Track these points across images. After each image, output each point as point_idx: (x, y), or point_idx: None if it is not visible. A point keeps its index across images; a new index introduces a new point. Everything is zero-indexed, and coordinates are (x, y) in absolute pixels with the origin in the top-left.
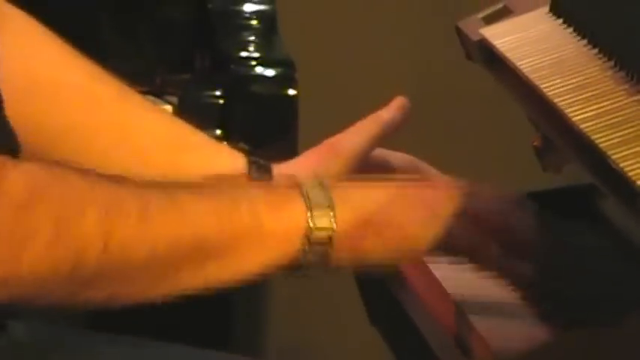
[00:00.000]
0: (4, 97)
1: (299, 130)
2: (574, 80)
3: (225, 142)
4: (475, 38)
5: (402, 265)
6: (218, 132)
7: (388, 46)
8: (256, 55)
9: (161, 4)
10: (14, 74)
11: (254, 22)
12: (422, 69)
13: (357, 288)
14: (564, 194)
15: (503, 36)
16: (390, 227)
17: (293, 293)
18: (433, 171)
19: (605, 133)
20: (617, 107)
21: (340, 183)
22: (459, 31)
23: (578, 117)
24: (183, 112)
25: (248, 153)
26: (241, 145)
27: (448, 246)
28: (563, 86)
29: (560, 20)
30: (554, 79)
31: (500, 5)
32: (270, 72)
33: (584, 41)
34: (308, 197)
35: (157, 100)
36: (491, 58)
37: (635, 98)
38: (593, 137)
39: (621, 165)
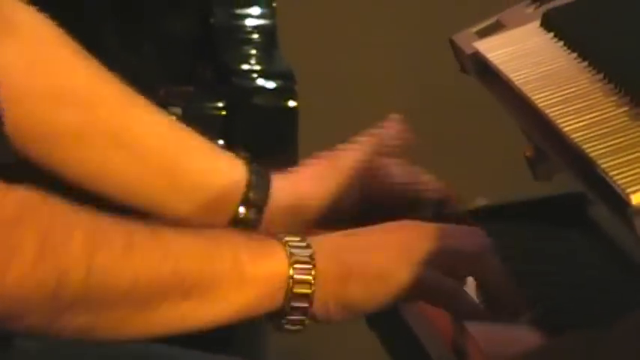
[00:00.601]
0: (4, 106)
1: (299, 141)
2: (564, 92)
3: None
4: (469, 51)
5: None
6: (221, 142)
7: (385, 59)
8: (257, 67)
9: (165, 18)
10: (19, 77)
11: (255, 36)
12: (418, 81)
13: None
14: (555, 202)
15: (496, 49)
16: (368, 275)
17: None
18: (432, 179)
19: (594, 143)
20: (605, 118)
21: (320, 237)
22: (453, 45)
23: (569, 127)
24: (187, 122)
25: (249, 161)
26: (243, 153)
27: (424, 291)
28: (554, 98)
29: (551, 34)
30: (546, 91)
31: (493, 20)
32: (270, 84)
33: (574, 55)
34: (291, 251)
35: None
36: (484, 70)
37: (623, 110)
38: (583, 147)
39: (610, 174)
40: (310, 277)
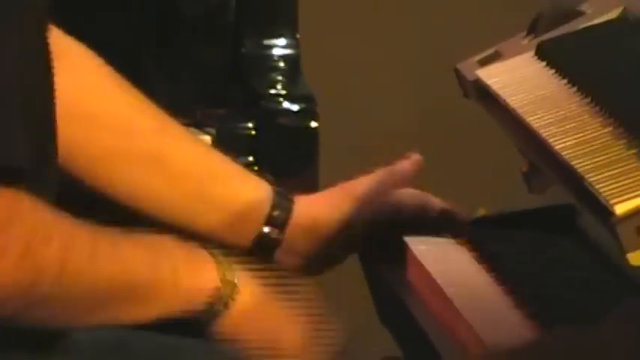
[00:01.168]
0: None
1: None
2: (556, 114)
3: (255, 169)
4: (471, 78)
5: (409, 274)
6: (250, 159)
7: (396, 84)
8: (283, 92)
9: (201, 48)
10: (66, 101)
11: (281, 64)
12: (426, 105)
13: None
14: (548, 212)
15: (495, 76)
16: (267, 323)
17: None
18: (438, 201)
19: (582, 160)
20: (592, 137)
21: (247, 274)
22: (457, 72)
23: (560, 146)
24: (220, 141)
25: (274, 183)
26: (268, 175)
27: None
28: (546, 119)
29: (544, 63)
30: (539, 114)
31: (492, 50)
32: (294, 107)
33: (565, 81)
34: (223, 275)
35: (198, 132)
36: (485, 95)
37: (608, 130)
38: (573, 163)
39: (596, 187)
40: (229, 301)
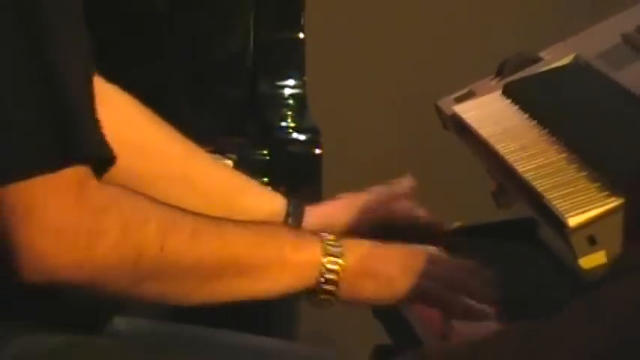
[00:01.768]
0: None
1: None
2: (519, 143)
3: (269, 187)
4: (449, 113)
5: None
6: (265, 180)
7: (388, 117)
8: (292, 124)
9: (224, 87)
10: (111, 133)
11: (290, 102)
12: (411, 134)
13: None
14: (513, 225)
15: (468, 111)
16: (381, 276)
17: None
18: (425, 213)
19: (541, 181)
20: (549, 162)
21: (354, 241)
22: (437, 108)
23: (522, 169)
24: (240, 165)
25: (287, 195)
26: (282, 188)
27: (423, 295)
28: (511, 147)
29: (510, 100)
30: (505, 142)
31: (466, 89)
32: (302, 137)
33: (527, 115)
34: (326, 246)
35: (221, 157)
36: (460, 127)
37: (562, 156)
38: (533, 183)
39: (553, 203)
40: (338, 267)
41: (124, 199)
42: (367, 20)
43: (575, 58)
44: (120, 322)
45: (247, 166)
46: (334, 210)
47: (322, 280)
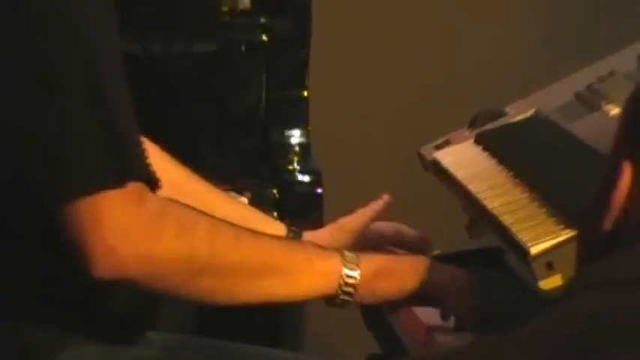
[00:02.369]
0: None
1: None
2: (488, 183)
3: (277, 218)
4: (430, 158)
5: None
6: (275, 214)
7: (378, 163)
8: (298, 167)
9: (241, 136)
10: None
11: (296, 148)
12: (398, 177)
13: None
14: (483, 252)
15: (446, 157)
16: (393, 277)
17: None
18: (409, 229)
19: (507, 215)
20: (513, 200)
21: (369, 254)
22: (419, 155)
23: (491, 206)
24: (254, 201)
25: (288, 224)
26: (286, 220)
27: (427, 292)
28: (482, 187)
29: (481, 148)
30: (476, 183)
31: (444, 139)
32: (306, 178)
33: (495, 160)
34: (344, 257)
35: (238, 195)
36: (439, 170)
37: (525, 195)
38: (500, 218)
39: (517, 235)
40: (356, 274)
41: (176, 206)
42: (362, 82)
43: (536, 112)
44: (152, 336)
45: (260, 202)
46: (328, 234)
47: (342, 284)
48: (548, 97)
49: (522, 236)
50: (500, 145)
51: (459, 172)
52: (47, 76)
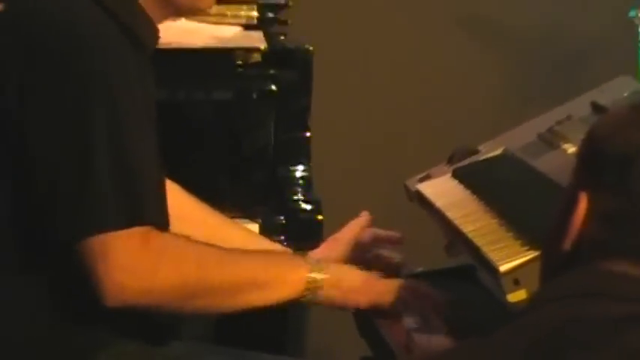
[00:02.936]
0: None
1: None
2: (463, 211)
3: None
4: (413, 190)
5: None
6: (282, 237)
7: (371, 194)
8: (302, 197)
9: (252, 171)
10: None
11: (300, 181)
12: (387, 206)
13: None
14: (459, 270)
15: (427, 189)
16: (346, 288)
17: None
18: (384, 232)
19: (479, 238)
20: (485, 225)
21: (332, 264)
22: (405, 187)
23: (466, 230)
24: (264, 227)
25: (289, 246)
26: (289, 244)
27: (378, 307)
28: (458, 214)
29: (457, 181)
30: (454, 211)
31: (426, 173)
32: (308, 207)
33: (469, 192)
34: (311, 266)
35: (249, 222)
36: (422, 200)
37: (495, 221)
38: (474, 240)
39: (488, 254)
40: (319, 281)
41: (174, 243)
42: (356, 126)
43: (504, 150)
44: (177, 344)
45: (269, 228)
46: (325, 249)
47: (308, 289)
48: (515, 138)
49: (492, 256)
50: (474, 178)
51: (439, 202)
52: (79, 138)
